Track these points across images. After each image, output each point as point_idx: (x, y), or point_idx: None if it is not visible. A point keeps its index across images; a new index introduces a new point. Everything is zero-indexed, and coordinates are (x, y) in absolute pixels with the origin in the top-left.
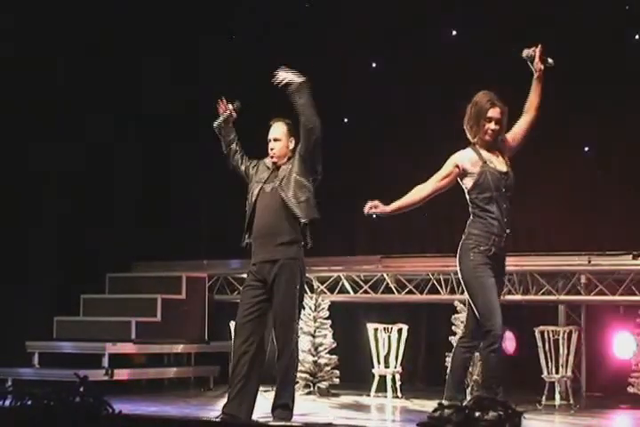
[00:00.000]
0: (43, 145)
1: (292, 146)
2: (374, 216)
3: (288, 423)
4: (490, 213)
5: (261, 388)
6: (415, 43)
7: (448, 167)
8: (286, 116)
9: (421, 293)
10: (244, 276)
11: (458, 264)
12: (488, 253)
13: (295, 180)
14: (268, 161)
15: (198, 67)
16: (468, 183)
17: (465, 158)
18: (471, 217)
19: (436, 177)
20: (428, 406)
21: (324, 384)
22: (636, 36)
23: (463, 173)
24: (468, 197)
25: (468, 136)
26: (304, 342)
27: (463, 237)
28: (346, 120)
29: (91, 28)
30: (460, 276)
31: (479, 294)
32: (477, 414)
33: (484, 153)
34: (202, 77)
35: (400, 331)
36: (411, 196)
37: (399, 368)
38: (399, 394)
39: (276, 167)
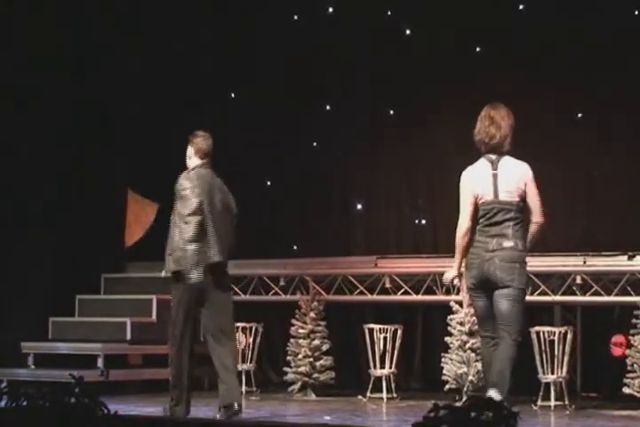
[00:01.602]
0: (42, 144)
1: (191, 161)
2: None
3: (285, 422)
4: None
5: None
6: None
7: None
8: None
9: (417, 293)
10: (240, 276)
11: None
12: None
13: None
14: None
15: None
16: None
17: None
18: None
19: None
20: (424, 406)
21: (319, 385)
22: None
23: None
24: None
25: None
26: (301, 344)
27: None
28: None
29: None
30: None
31: None
32: (473, 414)
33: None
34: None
35: (396, 332)
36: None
37: (395, 369)
38: (395, 395)
39: None
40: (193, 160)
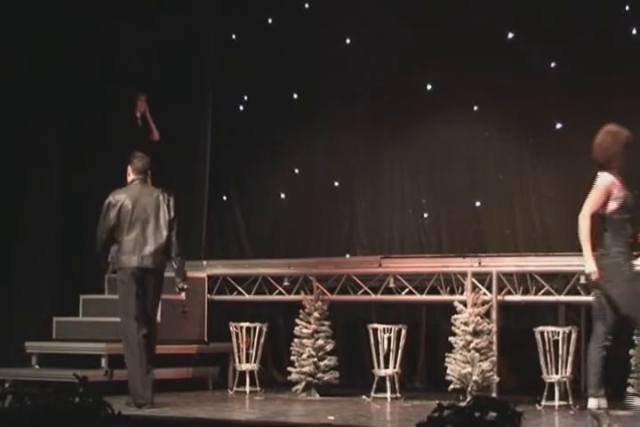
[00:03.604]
0: (43, 144)
1: (129, 177)
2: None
3: (289, 422)
4: None
5: None
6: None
7: None
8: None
9: (421, 293)
10: (244, 276)
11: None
12: None
13: None
14: None
15: None
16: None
17: None
18: None
19: None
20: (428, 406)
21: (323, 385)
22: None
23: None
24: None
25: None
26: (305, 343)
27: None
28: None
29: None
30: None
31: None
32: (477, 414)
33: None
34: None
35: (400, 331)
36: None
37: (399, 369)
38: (399, 395)
39: None
40: (130, 176)
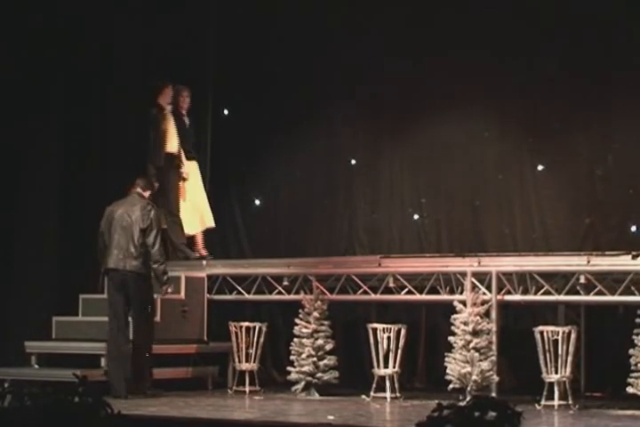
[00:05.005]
0: (41, 143)
1: None
2: None
3: (289, 422)
4: None
5: None
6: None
7: None
8: None
9: (421, 293)
10: (243, 275)
11: None
12: None
13: None
14: None
15: None
16: None
17: None
18: None
19: None
20: (428, 406)
21: (323, 384)
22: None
23: None
24: None
25: None
26: (304, 343)
27: None
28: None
29: None
30: None
31: None
32: (476, 414)
33: None
34: None
35: (399, 331)
36: None
37: (398, 368)
38: (398, 394)
39: None
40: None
